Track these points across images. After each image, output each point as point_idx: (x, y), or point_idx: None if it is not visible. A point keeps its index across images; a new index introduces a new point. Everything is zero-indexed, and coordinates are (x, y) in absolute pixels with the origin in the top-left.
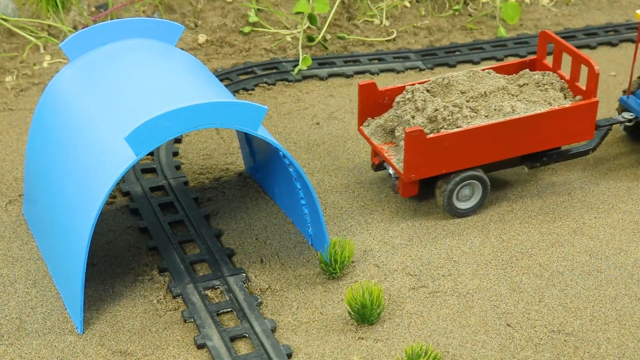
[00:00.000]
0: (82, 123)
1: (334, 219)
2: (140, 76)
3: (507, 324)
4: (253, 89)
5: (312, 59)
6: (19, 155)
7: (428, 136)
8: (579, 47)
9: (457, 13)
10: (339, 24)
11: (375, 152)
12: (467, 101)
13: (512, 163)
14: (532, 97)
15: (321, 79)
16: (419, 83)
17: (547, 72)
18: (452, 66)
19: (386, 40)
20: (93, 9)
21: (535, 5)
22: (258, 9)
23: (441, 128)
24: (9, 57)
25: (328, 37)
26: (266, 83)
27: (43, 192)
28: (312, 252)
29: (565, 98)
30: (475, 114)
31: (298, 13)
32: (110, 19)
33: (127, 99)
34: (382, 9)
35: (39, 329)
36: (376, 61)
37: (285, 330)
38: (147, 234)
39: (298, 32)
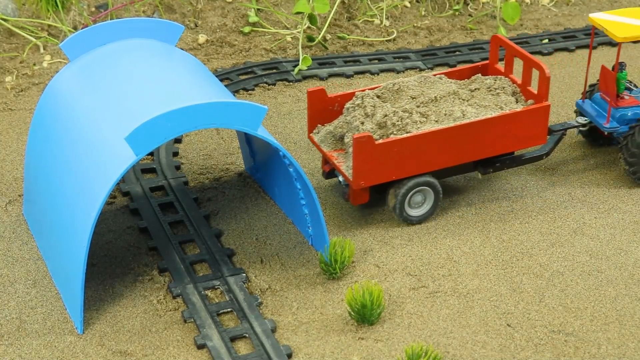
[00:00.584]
0: (82, 123)
1: (334, 219)
2: (140, 76)
3: (508, 324)
4: (253, 89)
5: (312, 59)
6: (19, 155)
7: (377, 142)
8: (578, 47)
9: (457, 13)
10: (339, 24)
11: (326, 160)
12: (418, 106)
13: (464, 169)
14: (484, 102)
15: (321, 79)
16: (369, 89)
17: (499, 76)
18: (452, 66)
19: (386, 40)
20: (93, 9)
21: (535, 5)
22: (258, 9)
23: (391, 134)
24: (9, 57)
25: (328, 37)
26: (266, 83)
27: (43, 192)
28: (312, 252)
29: (517, 102)
30: (425, 119)
31: (298, 13)
32: (110, 19)
33: (127, 99)
34: (382, 9)
35: (39, 329)
36: (376, 61)
37: (285, 330)
38: (147, 234)
39: (298, 32)
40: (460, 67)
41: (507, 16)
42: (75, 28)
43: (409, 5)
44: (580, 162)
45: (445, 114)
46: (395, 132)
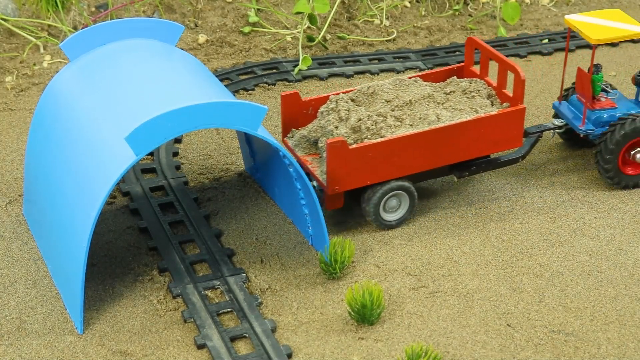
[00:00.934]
0: (82, 123)
1: (334, 219)
2: (140, 76)
3: (508, 324)
4: (253, 89)
5: (312, 59)
6: (19, 155)
7: (351, 147)
8: (579, 47)
9: (457, 13)
10: (339, 24)
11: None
12: (392, 110)
13: (440, 172)
14: (459, 105)
15: (321, 79)
16: (344, 92)
17: (475, 79)
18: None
19: (386, 40)
20: (93, 9)
21: (535, 5)
22: (258, 9)
23: (365, 138)
24: (9, 57)
25: (328, 37)
26: (266, 83)
27: (43, 192)
28: (312, 252)
29: (492, 105)
30: (399, 123)
31: (298, 13)
32: (110, 19)
33: (127, 99)
34: (382, 9)
35: (39, 329)
36: (376, 61)
37: (285, 330)
38: (147, 234)
39: (298, 32)
40: (435, 69)
41: (507, 16)
42: (75, 28)
43: (409, 5)
44: (580, 161)
45: (420, 118)
46: (369, 137)
